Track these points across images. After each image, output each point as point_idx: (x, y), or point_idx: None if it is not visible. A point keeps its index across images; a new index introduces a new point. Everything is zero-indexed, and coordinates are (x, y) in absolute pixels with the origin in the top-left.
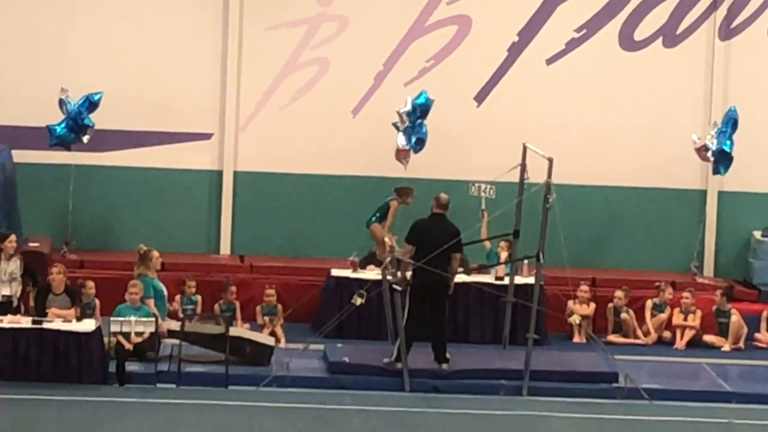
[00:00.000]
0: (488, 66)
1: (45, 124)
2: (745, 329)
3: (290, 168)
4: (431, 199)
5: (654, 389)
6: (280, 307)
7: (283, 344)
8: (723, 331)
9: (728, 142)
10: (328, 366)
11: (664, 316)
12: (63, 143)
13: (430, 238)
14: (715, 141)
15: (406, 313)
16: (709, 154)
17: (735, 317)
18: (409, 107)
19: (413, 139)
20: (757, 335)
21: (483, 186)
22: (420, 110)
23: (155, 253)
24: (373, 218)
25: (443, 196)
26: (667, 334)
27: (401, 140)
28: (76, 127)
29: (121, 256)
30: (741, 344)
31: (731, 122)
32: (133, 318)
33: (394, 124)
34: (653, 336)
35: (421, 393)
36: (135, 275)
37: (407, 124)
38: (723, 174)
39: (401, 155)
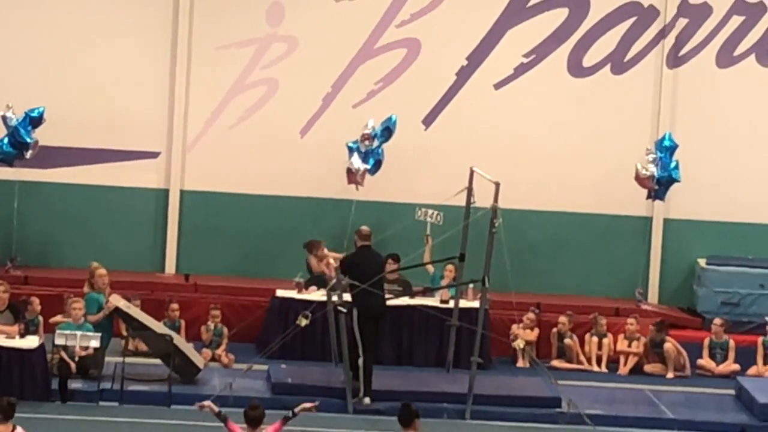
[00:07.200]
0: (437, 89)
1: None
2: (684, 354)
3: (237, 188)
4: (380, 222)
5: (597, 415)
6: (225, 330)
7: (231, 365)
8: (662, 360)
9: (676, 171)
10: (271, 386)
11: (606, 342)
12: (5, 159)
13: (362, 270)
14: (656, 169)
15: (361, 344)
16: (654, 183)
17: (667, 344)
18: (377, 129)
19: (371, 161)
20: (699, 362)
21: (429, 211)
22: (388, 133)
23: (102, 271)
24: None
25: (364, 228)
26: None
27: (357, 162)
28: (17, 143)
29: (66, 273)
30: (687, 372)
31: (670, 150)
32: (78, 332)
33: (354, 144)
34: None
35: (364, 415)
36: (84, 292)
37: (371, 146)
38: (662, 200)
39: (357, 177)
